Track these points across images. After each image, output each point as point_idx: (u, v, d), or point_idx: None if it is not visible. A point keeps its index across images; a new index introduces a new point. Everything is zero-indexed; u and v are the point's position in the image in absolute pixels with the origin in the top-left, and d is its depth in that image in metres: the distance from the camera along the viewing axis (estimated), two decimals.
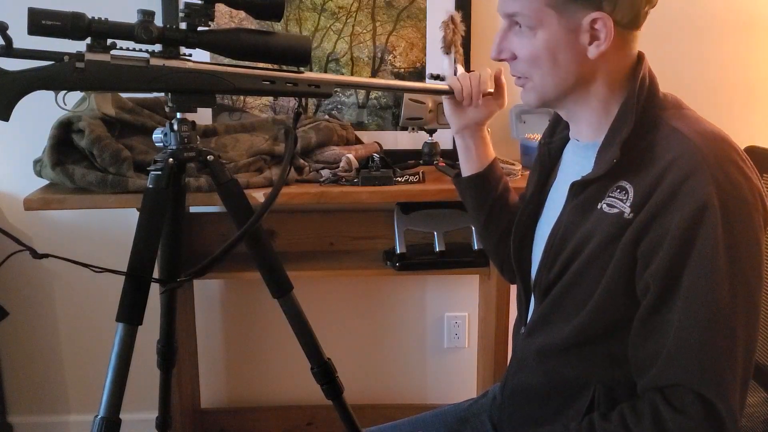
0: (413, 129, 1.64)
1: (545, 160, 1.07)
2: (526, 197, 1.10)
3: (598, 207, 0.89)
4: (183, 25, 1.06)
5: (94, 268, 1.01)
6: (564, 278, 0.93)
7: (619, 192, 0.87)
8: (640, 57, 0.93)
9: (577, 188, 0.93)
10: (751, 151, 1.16)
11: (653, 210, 0.82)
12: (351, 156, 1.59)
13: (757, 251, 0.82)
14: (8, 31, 0.98)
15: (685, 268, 0.81)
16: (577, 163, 0.98)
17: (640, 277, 0.85)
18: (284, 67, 1.13)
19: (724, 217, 0.79)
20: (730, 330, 0.80)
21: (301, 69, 1.13)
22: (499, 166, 1.22)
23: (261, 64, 1.12)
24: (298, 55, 1.11)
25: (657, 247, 0.82)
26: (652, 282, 0.83)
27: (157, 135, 1.15)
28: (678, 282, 0.81)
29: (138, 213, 1.12)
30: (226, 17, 1.77)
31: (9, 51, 0.98)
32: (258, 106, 1.84)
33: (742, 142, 1.17)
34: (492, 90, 1.17)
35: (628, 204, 0.85)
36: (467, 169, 1.21)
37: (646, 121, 0.88)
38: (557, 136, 1.06)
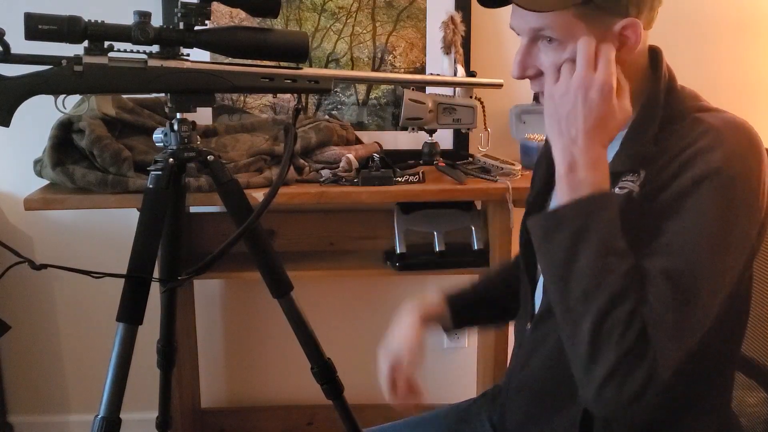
0: (413, 129, 1.64)
1: (551, 155, 1.07)
2: (532, 195, 1.10)
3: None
4: (180, 25, 1.06)
5: (94, 275, 1.01)
6: None
7: (632, 175, 0.88)
8: (656, 51, 0.94)
9: None
10: None
11: (662, 183, 0.84)
12: (351, 156, 1.59)
13: (743, 233, 0.83)
14: (5, 37, 0.98)
15: (676, 216, 0.81)
16: None
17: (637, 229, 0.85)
18: (283, 64, 1.13)
19: (729, 186, 0.80)
20: (696, 289, 0.80)
21: (300, 65, 1.13)
22: (461, 301, 1.19)
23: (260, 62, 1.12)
24: (296, 51, 1.11)
25: (659, 209, 0.83)
26: (646, 229, 0.83)
27: (157, 135, 1.15)
28: (665, 230, 0.82)
29: (138, 213, 1.13)
30: (226, 17, 1.77)
31: (7, 57, 0.98)
32: (258, 106, 1.84)
33: None
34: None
35: (638, 183, 0.87)
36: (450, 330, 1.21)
37: (667, 113, 0.89)
38: None
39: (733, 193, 0.81)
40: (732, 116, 0.88)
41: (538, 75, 0.90)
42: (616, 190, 0.89)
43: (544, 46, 0.88)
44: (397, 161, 1.68)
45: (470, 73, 1.76)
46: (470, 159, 1.79)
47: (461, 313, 1.18)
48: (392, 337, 1.11)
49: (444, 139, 1.81)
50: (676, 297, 0.80)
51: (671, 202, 0.82)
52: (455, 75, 1.76)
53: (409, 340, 1.09)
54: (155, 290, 1.16)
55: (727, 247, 0.82)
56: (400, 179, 1.60)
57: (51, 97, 1.04)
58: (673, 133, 0.87)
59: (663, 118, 0.89)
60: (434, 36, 1.81)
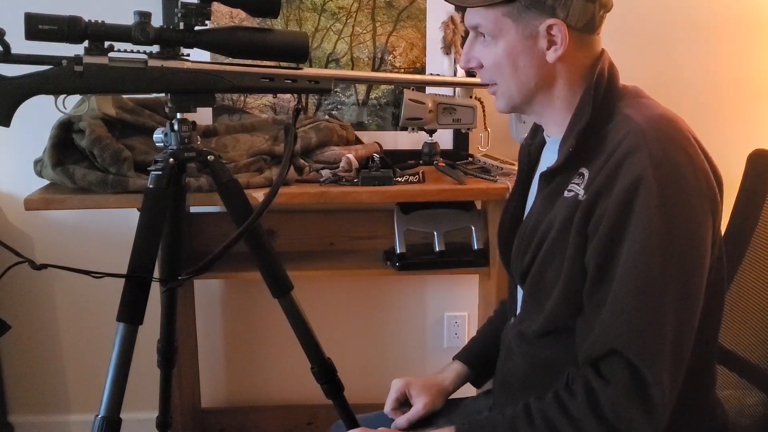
0: (413, 129, 1.64)
1: (524, 159, 1.11)
2: (509, 194, 1.14)
3: (563, 195, 0.93)
4: (180, 25, 1.06)
5: (94, 275, 1.02)
6: (534, 266, 0.97)
7: (578, 178, 0.91)
8: (601, 52, 0.96)
9: (544, 179, 0.97)
10: (759, 154, 1.15)
11: (598, 188, 0.86)
12: (351, 156, 1.60)
13: (694, 229, 0.85)
14: (6, 37, 0.98)
15: (622, 240, 0.84)
16: (548, 158, 1.02)
17: (588, 254, 0.88)
18: (283, 64, 1.13)
19: (659, 193, 0.82)
20: (659, 301, 0.83)
21: (300, 65, 1.13)
22: (473, 352, 1.23)
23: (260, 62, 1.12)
24: (296, 51, 1.11)
25: (599, 222, 0.86)
26: (594, 256, 0.86)
27: (157, 135, 1.15)
28: (615, 255, 0.84)
29: (138, 213, 1.13)
30: (226, 17, 1.77)
31: (7, 57, 0.98)
32: (258, 106, 1.84)
33: (748, 144, 1.17)
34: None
35: (583, 186, 0.89)
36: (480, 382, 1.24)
37: (603, 112, 0.91)
38: (538, 137, 1.09)
39: (667, 195, 0.83)
40: (658, 111, 0.89)
41: (480, 67, 0.98)
42: (565, 193, 0.92)
43: (480, 42, 0.96)
44: (397, 161, 1.68)
45: (470, 73, 1.76)
46: (470, 159, 1.79)
47: (479, 356, 1.21)
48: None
49: (444, 139, 1.81)
50: (643, 317, 0.82)
51: (612, 224, 0.84)
52: (455, 75, 1.77)
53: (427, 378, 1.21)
54: (155, 290, 1.16)
55: (680, 251, 0.84)
56: (399, 179, 1.60)
57: (51, 97, 1.04)
58: (606, 131, 0.90)
59: (596, 117, 0.91)
60: (434, 36, 1.81)
